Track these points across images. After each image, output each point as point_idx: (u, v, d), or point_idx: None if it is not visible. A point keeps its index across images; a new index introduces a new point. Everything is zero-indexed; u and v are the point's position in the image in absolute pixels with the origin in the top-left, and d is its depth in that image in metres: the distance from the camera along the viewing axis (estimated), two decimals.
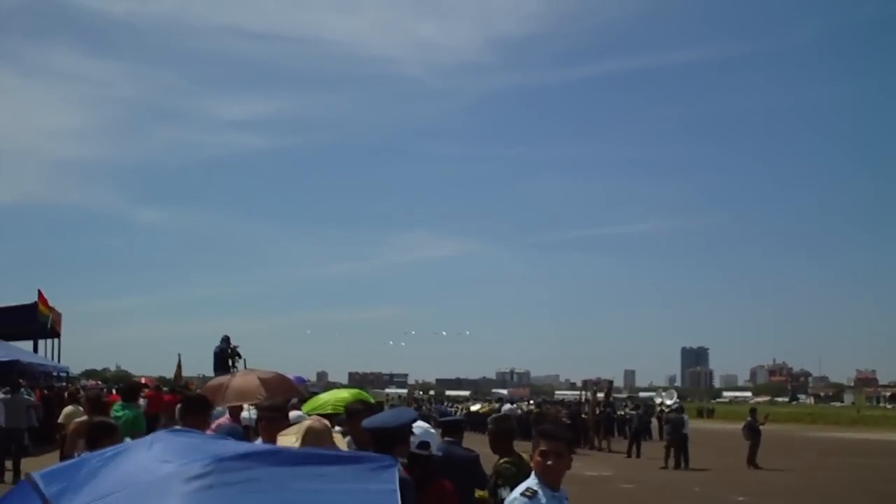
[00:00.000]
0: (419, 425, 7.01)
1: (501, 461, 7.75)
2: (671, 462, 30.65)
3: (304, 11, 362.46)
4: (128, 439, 7.25)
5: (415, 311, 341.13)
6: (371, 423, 6.17)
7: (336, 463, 3.68)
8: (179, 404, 9.55)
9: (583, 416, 44.09)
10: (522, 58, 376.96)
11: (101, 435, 8.07)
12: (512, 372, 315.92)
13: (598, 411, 42.98)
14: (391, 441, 5.83)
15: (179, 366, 31.19)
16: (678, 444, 30.86)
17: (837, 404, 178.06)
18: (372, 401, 13.59)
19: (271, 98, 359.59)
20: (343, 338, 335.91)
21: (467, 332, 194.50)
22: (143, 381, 32.23)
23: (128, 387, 15.07)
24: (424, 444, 6.63)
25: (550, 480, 5.43)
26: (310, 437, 6.59)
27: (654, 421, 48.88)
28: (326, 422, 7.35)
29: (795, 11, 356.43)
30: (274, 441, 7.42)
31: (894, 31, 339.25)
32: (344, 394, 13.22)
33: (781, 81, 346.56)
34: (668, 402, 58.31)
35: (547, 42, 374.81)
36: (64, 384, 39.31)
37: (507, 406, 48.03)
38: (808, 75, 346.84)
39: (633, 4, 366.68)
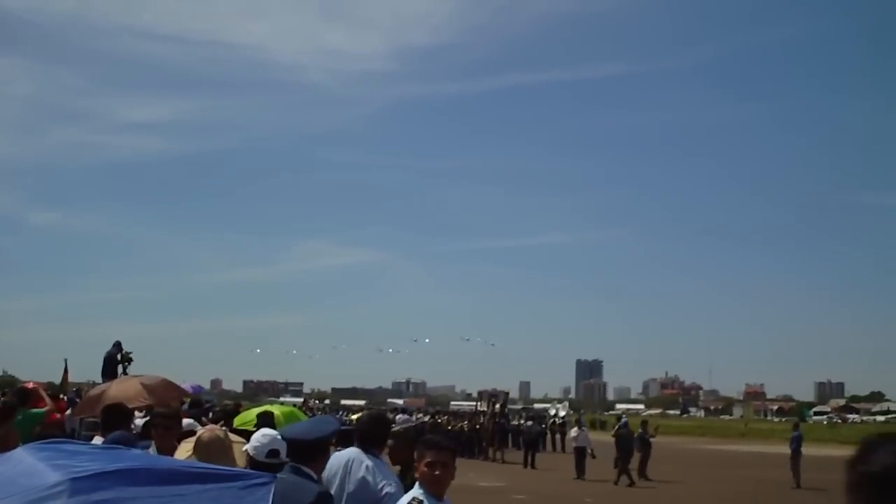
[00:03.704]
0: (267, 432, 6.83)
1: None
2: (627, 476, 30.29)
3: (210, 14, 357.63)
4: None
5: (314, 319, 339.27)
6: (288, 433, 5.89)
7: (203, 481, 3.56)
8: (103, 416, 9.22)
9: (476, 426, 44.38)
10: (429, 68, 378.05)
11: None
12: (408, 382, 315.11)
13: (493, 422, 43.20)
14: (308, 454, 5.64)
15: (66, 371, 30.50)
16: (627, 458, 30.68)
17: (727, 417, 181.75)
18: (303, 417, 13.45)
19: (173, 100, 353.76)
20: (240, 345, 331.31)
21: (494, 343, 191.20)
22: (32, 385, 31.36)
23: (20, 391, 14.76)
24: (274, 453, 6.51)
25: (436, 490, 5.41)
26: (199, 448, 6.52)
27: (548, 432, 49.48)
28: (219, 432, 7.26)
29: (695, 33, 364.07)
30: (169, 448, 7.33)
31: (787, 55, 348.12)
32: (274, 410, 13.16)
33: (678, 100, 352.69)
34: (562, 413, 58.96)
35: (454, 53, 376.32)
36: None
37: (402, 416, 47.74)
38: (704, 95, 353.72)
39: (541, 20, 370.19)
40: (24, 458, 3.56)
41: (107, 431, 7.77)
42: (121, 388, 13.57)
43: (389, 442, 7.51)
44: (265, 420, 11.31)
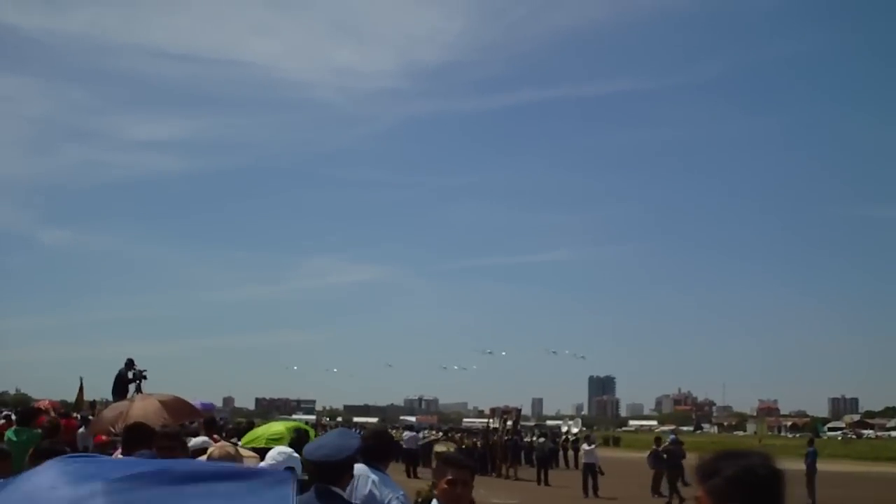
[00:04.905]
0: (283, 450, 6.80)
1: None
2: (678, 495, 29.71)
3: (221, 33, 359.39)
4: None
5: (325, 336, 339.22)
6: (313, 455, 5.70)
7: (229, 479, 3.56)
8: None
9: (490, 443, 44.24)
10: (439, 85, 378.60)
11: None
12: (420, 399, 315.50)
13: (506, 439, 43.10)
14: (338, 473, 5.57)
15: (81, 389, 30.55)
16: (679, 475, 30.37)
17: (740, 433, 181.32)
18: (312, 434, 13.39)
19: (184, 119, 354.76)
20: (252, 363, 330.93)
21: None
22: (46, 403, 31.42)
23: (24, 411, 14.80)
24: (289, 470, 6.48)
25: None
26: None
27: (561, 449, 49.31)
28: (231, 449, 7.25)
29: (702, 50, 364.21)
30: None
31: (794, 70, 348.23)
32: (279, 427, 13.11)
33: (686, 116, 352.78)
34: (574, 429, 58.83)
35: (464, 70, 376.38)
36: None
37: (408, 433, 47.46)
38: (711, 111, 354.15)
39: (550, 37, 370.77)
40: (53, 472, 3.54)
41: (128, 451, 7.68)
42: (142, 407, 13.52)
43: (436, 464, 7.48)
44: (300, 437, 11.25)
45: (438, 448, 8.81)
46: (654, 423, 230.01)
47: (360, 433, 7.25)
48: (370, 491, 6.40)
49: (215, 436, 13.83)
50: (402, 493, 6.63)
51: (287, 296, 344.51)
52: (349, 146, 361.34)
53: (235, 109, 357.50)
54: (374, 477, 6.48)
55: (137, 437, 8.06)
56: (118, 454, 7.81)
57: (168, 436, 8.01)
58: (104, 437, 14.32)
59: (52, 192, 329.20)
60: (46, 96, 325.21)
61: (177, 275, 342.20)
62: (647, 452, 33.29)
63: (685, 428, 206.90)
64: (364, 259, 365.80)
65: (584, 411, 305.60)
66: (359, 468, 6.61)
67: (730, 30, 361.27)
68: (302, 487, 6.02)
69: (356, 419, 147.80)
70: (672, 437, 34.32)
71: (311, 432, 13.89)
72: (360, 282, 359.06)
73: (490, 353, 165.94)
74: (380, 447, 6.95)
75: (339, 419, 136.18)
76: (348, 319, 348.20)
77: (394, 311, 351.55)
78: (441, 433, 55.67)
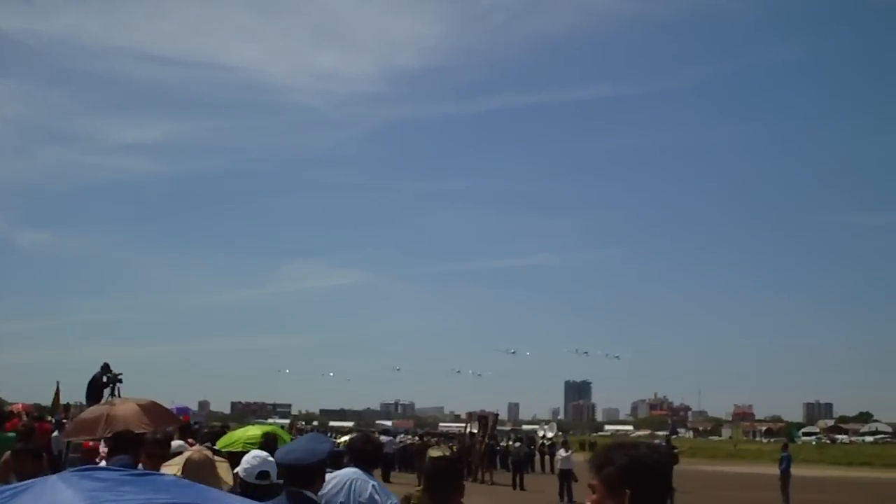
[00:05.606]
0: (257, 454, 6.79)
1: None
2: None
3: (202, 36, 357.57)
4: None
5: (304, 340, 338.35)
6: (284, 459, 5.60)
7: None
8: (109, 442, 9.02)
9: (470, 448, 44.20)
10: (420, 90, 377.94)
11: None
12: (396, 403, 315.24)
13: (485, 444, 43.07)
14: (310, 477, 5.49)
15: (57, 393, 30.39)
16: None
17: (716, 438, 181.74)
18: (287, 438, 13.36)
19: (164, 122, 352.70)
20: (229, 367, 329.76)
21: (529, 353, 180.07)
22: (20, 407, 31.21)
23: None
24: (264, 474, 6.47)
25: None
26: (189, 468, 6.49)
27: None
28: (208, 453, 7.25)
29: (686, 55, 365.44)
30: None
31: (779, 76, 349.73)
32: (255, 431, 13.05)
33: (669, 121, 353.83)
34: (550, 434, 58.83)
35: (445, 75, 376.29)
36: None
37: (385, 438, 47.28)
38: (696, 117, 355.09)
39: (532, 42, 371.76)
40: (60, 489, 3.36)
41: (113, 457, 7.69)
42: (123, 411, 13.46)
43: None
44: (269, 441, 11.24)
45: (434, 453, 8.81)
46: (630, 427, 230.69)
47: (332, 437, 7.31)
48: (371, 496, 6.44)
49: (189, 440, 13.80)
50: (395, 498, 6.67)
51: (268, 299, 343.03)
52: (331, 150, 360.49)
53: (217, 113, 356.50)
54: (373, 482, 6.55)
55: (124, 445, 8.03)
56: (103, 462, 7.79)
57: (158, 443, 8.04)
58: (91, 444, 14.24)
59: (30, 194, 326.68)
60: (25, 98, 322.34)
61: (155, 278, 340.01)
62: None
63: (661, 432, 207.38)
64: (346, 263, 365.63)
65: (561, 416, 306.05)
66: (354, 472, 6.66)
67: (716, 35, 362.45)
68: (276, 491, 6.03)
69: (332, 423, 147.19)
70: (662, 443, 34.30)
71: (287, 437, 13.88)
72: (343, 286, 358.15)
73: (514, 352, 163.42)
74: (373, 452, 7.02)
75: (315, 423, 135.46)
76: (330, 323, 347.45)
77: (377, 315, 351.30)
78: (417, 437, 55.56)
